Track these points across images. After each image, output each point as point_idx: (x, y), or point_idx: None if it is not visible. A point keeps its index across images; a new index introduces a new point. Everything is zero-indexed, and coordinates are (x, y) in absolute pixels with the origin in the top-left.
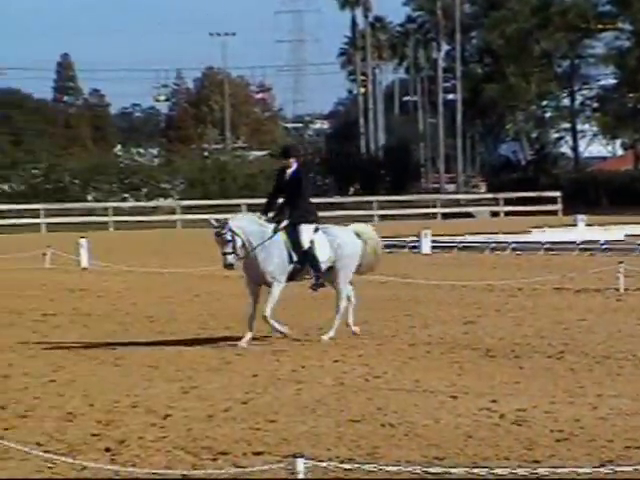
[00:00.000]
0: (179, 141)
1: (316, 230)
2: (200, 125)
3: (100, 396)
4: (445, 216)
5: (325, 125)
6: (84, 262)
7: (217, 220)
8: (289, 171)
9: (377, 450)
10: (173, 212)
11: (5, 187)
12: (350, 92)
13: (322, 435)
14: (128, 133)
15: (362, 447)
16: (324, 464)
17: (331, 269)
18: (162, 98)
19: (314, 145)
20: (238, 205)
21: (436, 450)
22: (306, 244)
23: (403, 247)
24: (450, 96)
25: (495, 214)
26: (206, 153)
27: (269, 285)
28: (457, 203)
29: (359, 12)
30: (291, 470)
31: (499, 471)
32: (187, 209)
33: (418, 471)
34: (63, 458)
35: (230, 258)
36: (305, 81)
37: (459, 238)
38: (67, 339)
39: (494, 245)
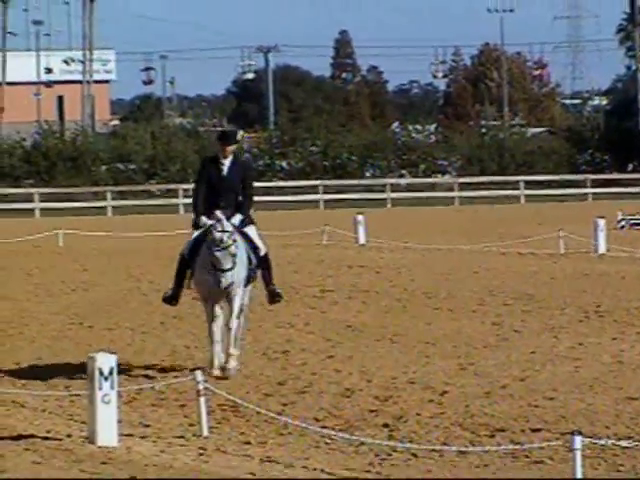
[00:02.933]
0: (456, 118)
1: None
2: (477, 102)
3: (377, 372)
4: None
5: (604, 101)
6: (361, 239)
7: (218, 225)
8: (226, 161)
9: None
10: (451, 189)
11: (284, 164)
12: (629, 69)
13: (600, 413)
14: (406, 110)
15: None
16: (602, 442)
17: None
18: (440, 75)
19: (592, 121)
20: (517, 182)
21: None
22: (263, 246)
23: None
24: None
25: None
26: (483, 130)
27: (230, 297)
28: None
29: None
30: (569, 447)
31: None
32: (465, 186)
33: None
34: (340, 434)
35: (230, 276)
36: (583, 57)
37: None
38: (345, 315)
39: None
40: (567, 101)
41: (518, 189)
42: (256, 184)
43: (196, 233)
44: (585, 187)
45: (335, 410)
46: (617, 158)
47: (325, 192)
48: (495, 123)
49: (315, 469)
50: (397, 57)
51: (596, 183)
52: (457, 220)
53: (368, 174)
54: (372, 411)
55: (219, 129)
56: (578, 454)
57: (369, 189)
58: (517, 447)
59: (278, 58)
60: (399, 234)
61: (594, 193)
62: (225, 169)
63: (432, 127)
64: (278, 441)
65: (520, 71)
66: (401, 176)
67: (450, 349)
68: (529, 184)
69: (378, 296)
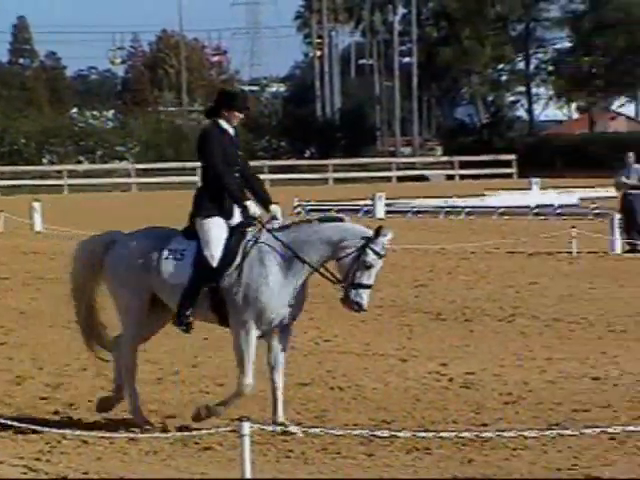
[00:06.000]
0: (135, 104)
1: None
2: (156, 88)
3: (50, 359)
4: (400, 179)
5: (282, 88)
6: (37, 226)
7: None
8: (232, 131)
9: (325, 413)
10: (128, 175)
11: None
12: (306, 55)
13: (271, 399)
14: (84, 96)
15: (310, 410)
16: (271, 427)
17: None
18: (118, 61)
19: (270, 108)
20: (193, 169)
21: (384, 413)
22: None
23: (357, 211)
24: (406, 59)
25: (450, 177)
26: (162, 116)
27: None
28: (412, 166)
29: None
30: (238, 433)
31: (445, 434)
32: (142, 172)
33: (365, 434)
34: (10, 422)
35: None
36: (261, 44)
37: (414, 202)
38: (19, 302)
39: (448, 209)
40: (245, 87)
41: (195, 175)
42: None
43: (222, 230)
44: (262, 173)
45: (6, 398)
46: (294, 144)
47: (1, 178)
48: (173, 109)
49: None
50: (76, 43)
51: (273, 169)
52: (134, 206)
53: (45, 160)
54: (43, 398)
55: (221, 90)
56: (247, 440)
57: (46, 175)
58: (187, 433)
59: None
60: (76, 221)
61: (272, 179)
62: (234, 140)
63: (110, 113)
64: None
65: (198, 57)
66: (78, 162)
67: None
68: None
69: (52, 283)
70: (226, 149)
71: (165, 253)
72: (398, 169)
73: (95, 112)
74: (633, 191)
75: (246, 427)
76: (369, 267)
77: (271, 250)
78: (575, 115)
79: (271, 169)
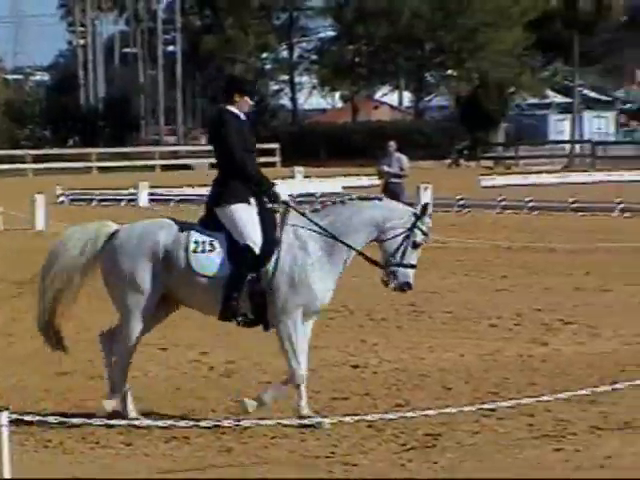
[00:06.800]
0: None
1: None
2: None
3: None
4: (164, 168)
5: (45, 77)
6: None
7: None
8: (243, 117)
9: (84, 403)
10: None
11: None
12: (70, 44)
13: (30, 388)
14: None
15: (69, 400)
16: (29, 417)
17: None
18: None
19: (34, 97)
20: None
21: (144, 403)
22: None
23: (121, 200)
24: (170, 48)
25: (213, 166)
26: None
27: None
28: (176, 155)
29: None
30: None
31: (204, 423)
32: None
33: (123, 424)
34: None
35: None
36: (25, 32)
37: (177, 190)
38: None
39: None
40: (9, 76)
41: None
42: None
43: (251, 213)
44: (25, 162)
45: None
46: (58, 133)
47: None
48: None
49: None
50: None
51: (37, 158)
52: None
53: None
54: None
55: (232, 76)
56: (4, 430)
57: None
58: None
59: None
60: None
61: (34, 169)
62: (248, 127)
63: None
64: None
65: None
66: None
67: None
68: None
69: None
70: (244, 135)
71: (192, 246)
72: (162, 158)
73: None
74: (395, 179)
75: (3, 417)
76: (417, 246)
77: (310, 235)
78: (339, 104)
79: (34, 158)
